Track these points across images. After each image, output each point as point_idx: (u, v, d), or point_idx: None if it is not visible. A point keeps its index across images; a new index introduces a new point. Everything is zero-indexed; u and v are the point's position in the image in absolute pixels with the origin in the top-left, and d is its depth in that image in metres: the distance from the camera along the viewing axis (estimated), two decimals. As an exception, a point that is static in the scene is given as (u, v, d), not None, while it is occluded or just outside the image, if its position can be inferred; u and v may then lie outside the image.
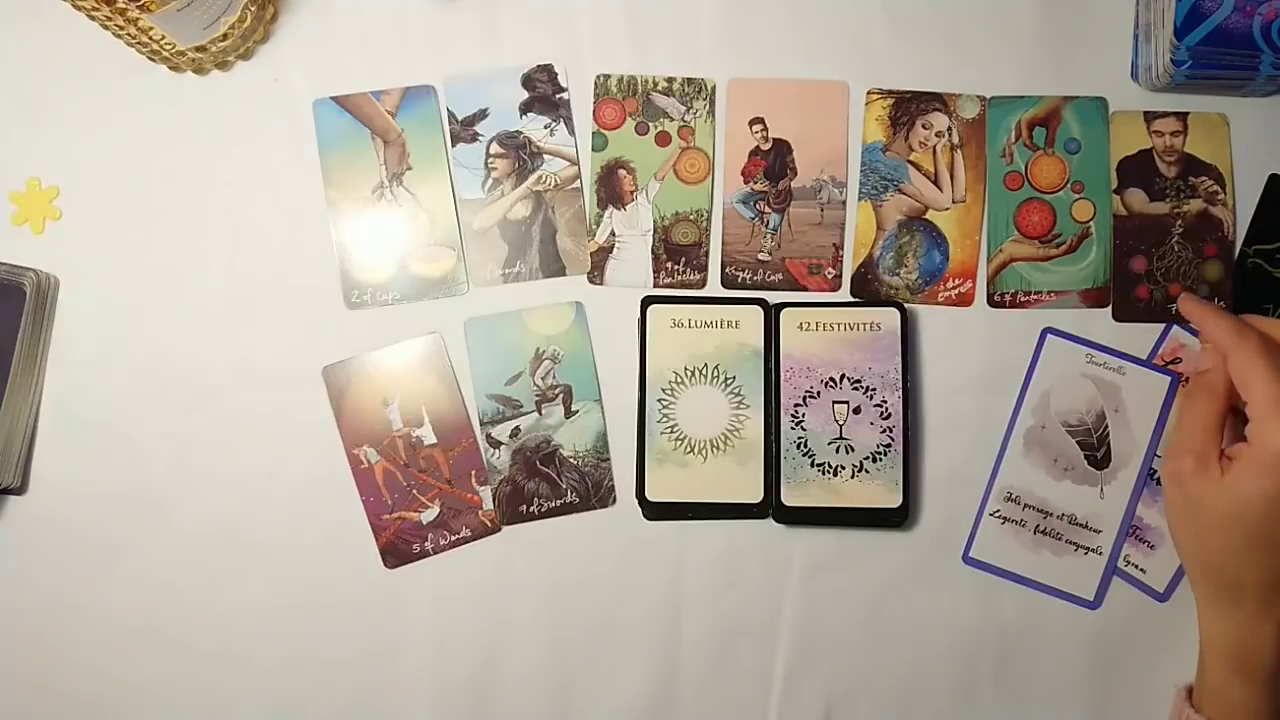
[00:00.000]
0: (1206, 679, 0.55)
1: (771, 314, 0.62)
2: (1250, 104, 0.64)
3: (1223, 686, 0.54)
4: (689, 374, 0.62)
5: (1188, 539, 0.55)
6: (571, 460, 0.62)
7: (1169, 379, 0.62)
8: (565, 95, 0.65)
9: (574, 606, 0.62)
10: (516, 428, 0.63)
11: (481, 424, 0.63)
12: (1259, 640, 0.52)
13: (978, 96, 0.65)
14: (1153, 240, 0.63)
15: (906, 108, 0.65)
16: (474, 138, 0.65)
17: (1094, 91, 0.65)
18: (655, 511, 0.61)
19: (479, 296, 0.64)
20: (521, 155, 0.65)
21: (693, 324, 0.62)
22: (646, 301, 0.62)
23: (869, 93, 0.65)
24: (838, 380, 0.62)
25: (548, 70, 0.65)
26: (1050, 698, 0.61)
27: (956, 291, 0.64)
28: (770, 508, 0.61)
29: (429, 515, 0.62)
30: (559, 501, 0.62)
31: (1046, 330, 0.63)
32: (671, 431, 0.62)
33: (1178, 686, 0.57)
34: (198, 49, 0.62)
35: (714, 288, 0.64)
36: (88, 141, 0.65)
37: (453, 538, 0.62)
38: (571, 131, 0.65)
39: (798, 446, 0.61)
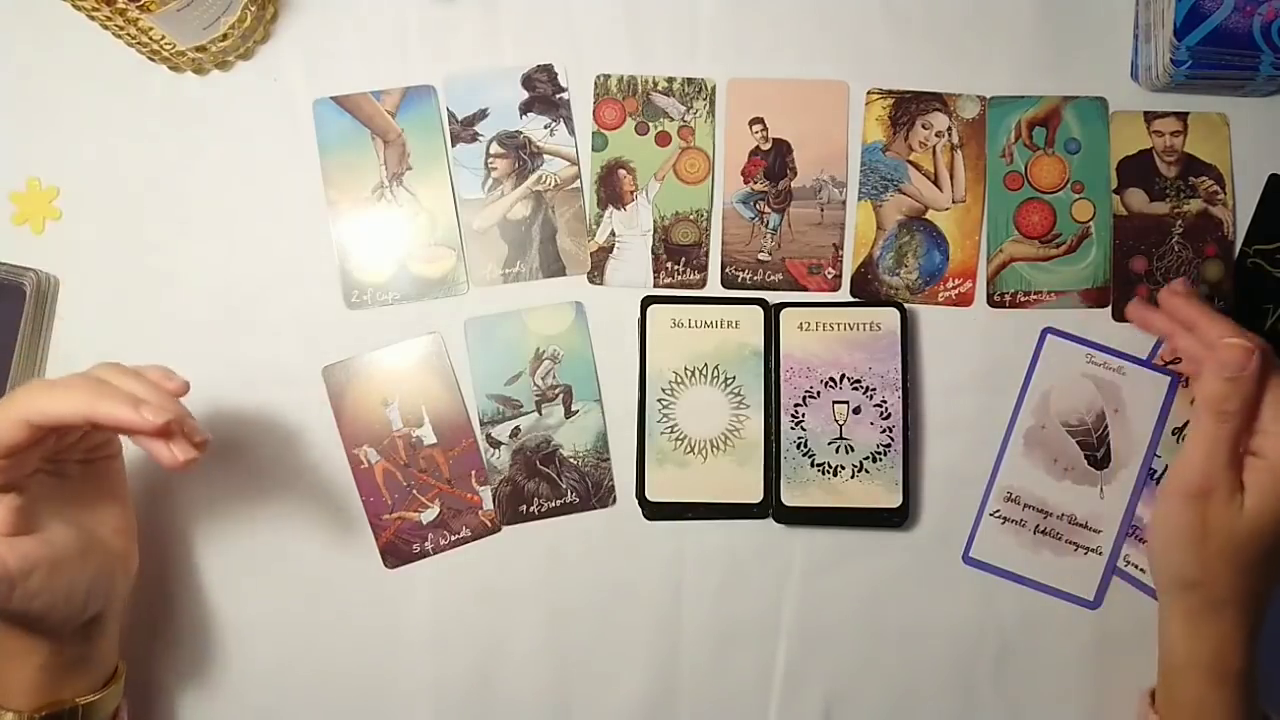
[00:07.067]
0: (1178, 693, 0.54)
1: (771, 314, 0.62)
2: (1250, 104, 0.64)
3: (1200, 698, 0.53)
4: (689, 374, 0.62)
5: (1184, 560, 0.52)
6: (571, 460, 0.62)
7: (1169, 379, 0.62)
8: (565, 95, 0.65)
9: (574, 606, 0.62)
10: (516, 428, 0.63)
11: (481, 424, 0.63)
12: (1235, 649, 0.52)
13: (978, 96, 0.65)
14: (1153, 240, 0.63)
15: (906, 108, 0.65)
16: (474, 138, 0.65)
17: (1094, 91, 0.65)
18: (655, 511, 0.61)
19: (479, 296, 0.64)
20: (521, 155, 0.65)
21: (693, 324, 0.62)
22: (646, 301, 0.62)
23: (869, 93, 0.65)
24: (838, 380, 0.62)
25: (548, 70, 0.65)
26: (1050, 698, 0.61)
27: (956, 291, 0.64)
28: (770, 508, 0.61)
29: (429, 515, 0.62)
30: (559, 501, 0.62)
31: (1046, 330, 0.63)
32: (671, 431, 0.62)
33: (1141, 691, 0.56)
34: (198, 49, 0.62)
35: (714, 288, 0.64)
36: (88, 141, 0.64)
37: (453, 538, 0.62)
38: (571, 131, 0.65)
39: (798, 446, 0.61)
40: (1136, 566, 0.61)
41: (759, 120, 0.65)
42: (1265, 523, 0.50)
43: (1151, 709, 0.55)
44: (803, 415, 0.61)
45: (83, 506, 0.53)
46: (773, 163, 0.65)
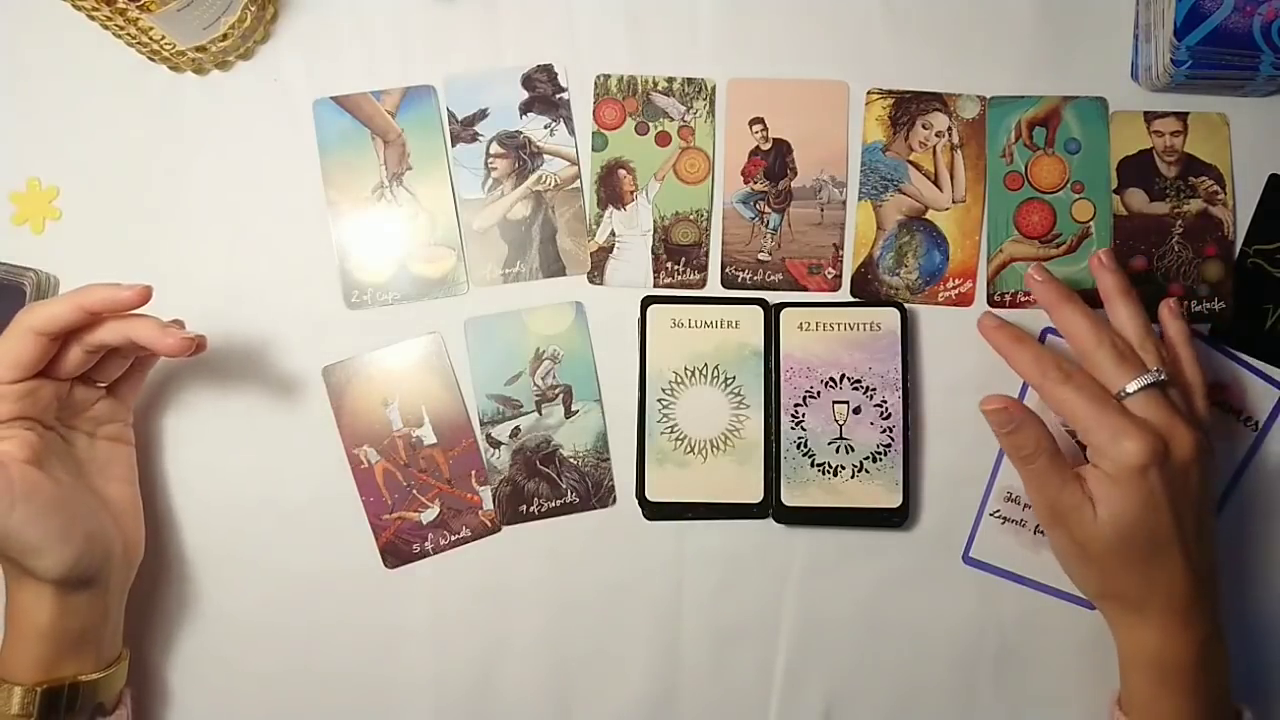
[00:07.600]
0: (1134, 695, 0.54)
1: (771, 314, 0.62)
2: (1250, 104, 0.64)
3: (1150, 700, 0.53)
4: (689, 374, 0.62)
5: (1087, 574, 0.55)
6: (571, 460, 0.62)
7: (1169, 379, 0.62)
8: (565, 95, 0.65)
9: (574, 606, 0.62)
10: (516, 428, 0.63)
11: (481, 424, 0.63)
12: (1177, 647, 0.52)
13: (978, 96, 0.65)
14: (1153, 240, 0.63)
15: (906, 108, 0.65)
16: (474, 138, 0.65)
17: (1094, 91, 0.65)
18: (655, 511, 0.61)
19: (479, 296, 0.64)
20: (521, 155, 0.65)
21: (693, 324, 0.62)
22: (646, 301, 0.62)
23: (869, 93, 0.65)
24: (838, 380, 0.62)
25: (548, 70, 0.65)
26: (1050, 698, 0.61)
27: (956, 291, 0.64)
28: (770, 508, 0.61)
29: (429, 515, 0.62)
30: (559, 501, 0.62)
31: (1046, 330, 0.63)
32: (671, 431, 0.62)
33: (1111, 690, 0.57)
34: (198, 49, 0.62)
35: (714, 288, 0.64)
36: (88, 141, 0.64)
37: (453, 538, 0.62)
38: (571, 131, 0.65)
39: (798, 446, 0.61)
40: (1136, 566, 0.61)
41: (759, 120, 0.65)
42: (1125, 523, 0.51)
43: (1119, 709, 0.55)
44: (803, 415, 0.61)
45: (90, 475, 0.56)
46: (773, 163, 0.65)
